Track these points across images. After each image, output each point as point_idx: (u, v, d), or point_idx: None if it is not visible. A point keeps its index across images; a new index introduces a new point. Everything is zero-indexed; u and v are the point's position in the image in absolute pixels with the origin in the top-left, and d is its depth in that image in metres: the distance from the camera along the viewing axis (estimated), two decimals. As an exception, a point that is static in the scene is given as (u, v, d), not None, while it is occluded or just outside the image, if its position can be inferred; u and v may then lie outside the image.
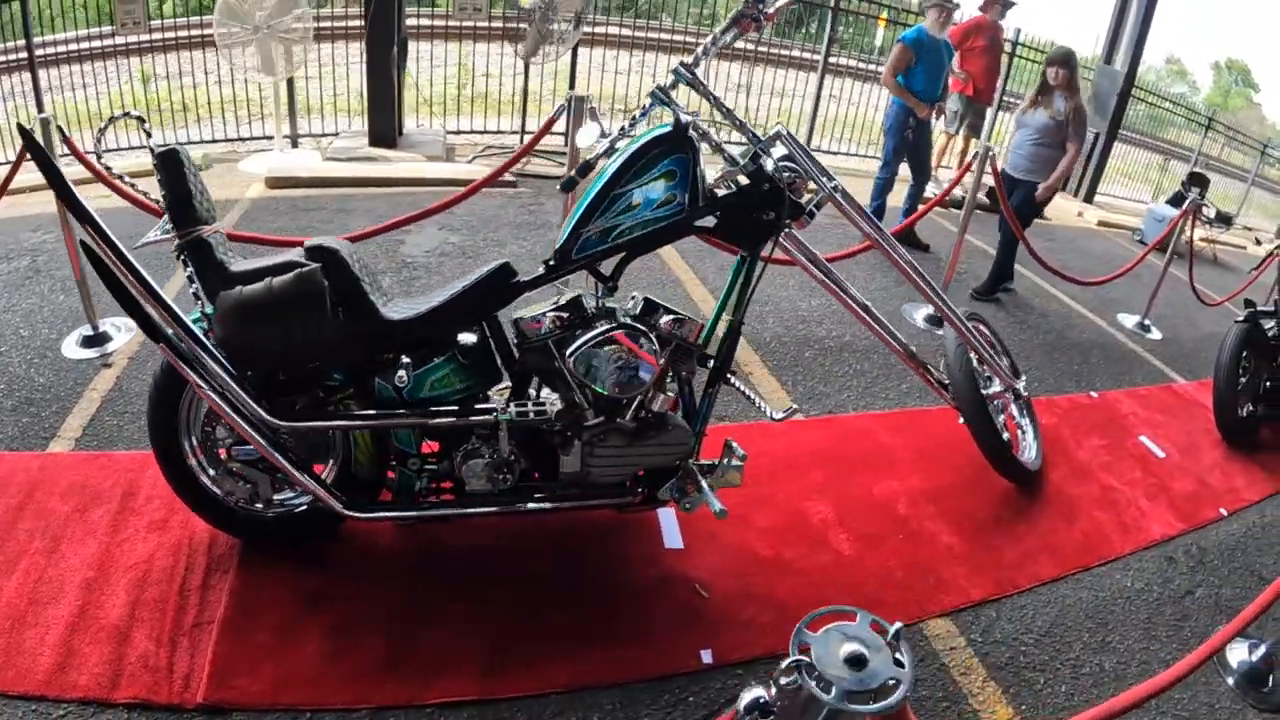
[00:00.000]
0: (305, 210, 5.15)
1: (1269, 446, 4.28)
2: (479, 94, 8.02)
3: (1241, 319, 4.15)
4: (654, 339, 1.91)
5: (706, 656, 1.99)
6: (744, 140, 2.09)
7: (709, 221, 2.02)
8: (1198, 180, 9.08)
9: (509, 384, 2.10)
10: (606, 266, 2.02)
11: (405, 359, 1.90)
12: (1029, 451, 3.42)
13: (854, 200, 2.46)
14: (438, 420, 1.96)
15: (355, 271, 1.92)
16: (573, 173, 2.05)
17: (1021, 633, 2.56)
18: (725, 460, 2.21)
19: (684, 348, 2.01)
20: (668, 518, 2.54)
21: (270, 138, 6.15)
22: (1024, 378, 3.53)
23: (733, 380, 2.23)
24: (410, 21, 7.43)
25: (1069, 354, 4.81)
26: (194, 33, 7.11)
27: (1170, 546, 3.28)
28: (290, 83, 6.10)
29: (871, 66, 8.98)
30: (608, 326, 1.88)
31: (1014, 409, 3.55)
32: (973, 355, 3.07)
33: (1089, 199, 8.68)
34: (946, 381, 3.07)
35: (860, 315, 2.59)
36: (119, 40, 6.63)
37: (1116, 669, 2.59)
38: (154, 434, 2.02)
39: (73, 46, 6.94)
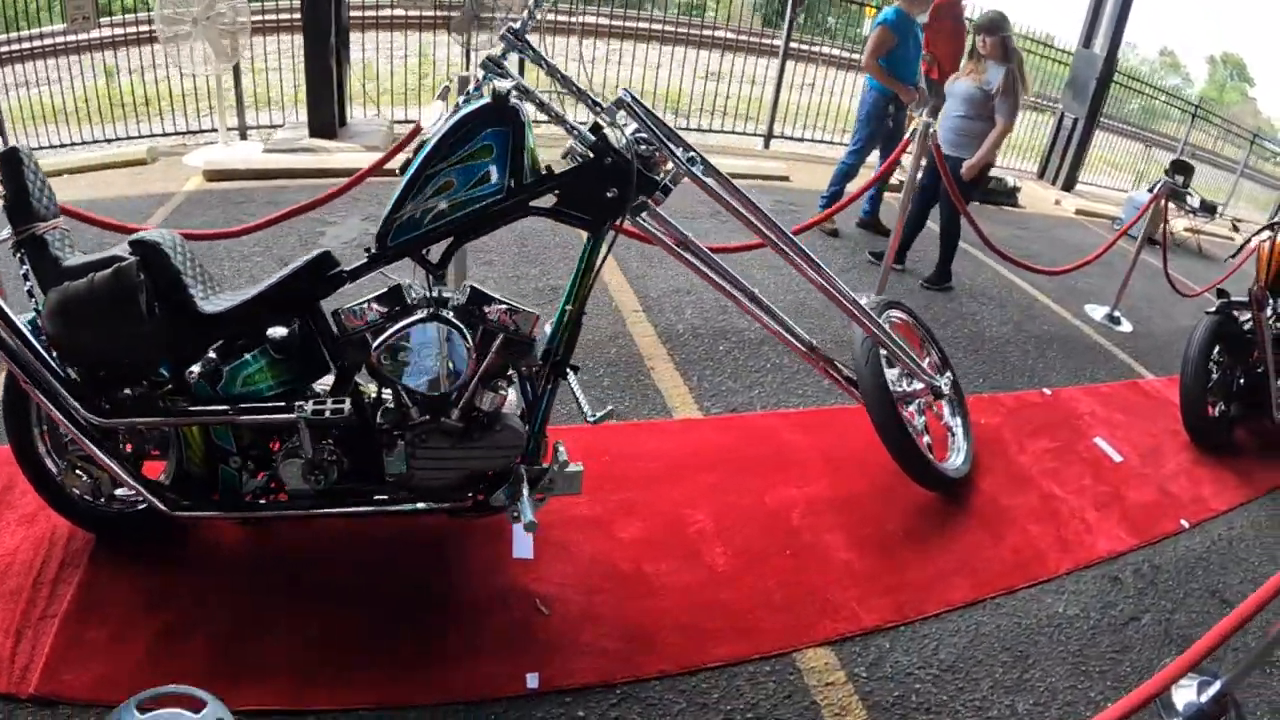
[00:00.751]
0: (236, 203, 4.92)
1: (1243, 450, 3.90)
2: (439, 82, 7.71)
3: (1213, 310, 3.74)
4: (466, 332, 1.78)
5: (532, 681, 1.82)
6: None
7: (550, 201, 1.89)
8: (1181, 168, 8.71)
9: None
10: (437, 254, 1.90)
11: (211, 354, 1.82)
12: (957, 455, 3.03)
13: (722, 174, 2.21)
14: (243, 418, 1.87)
15: (176, 264, 1.85)
16: (409, 155, 1.90)
17: (919, 666, 2.21)
18: (553, 466, 2.06)
19: (517, 341, 1.87)
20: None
21: (216, 130, 6.07)
22: (949, 374, 3.14)
23: (568, 377, 2.06)
24: (368, 12, 7.21)
25: (1024, 348, 4.41)
26: (143, 29, 6.95)
27: (1117, 564, 2.90)
28: (237, 75, 6.06)
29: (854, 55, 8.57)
30: (415, 319, 1.77)
31: (945, 408, 3.15)
32: (882, 350, 2.71)
33: (1068, 187, 8.29)
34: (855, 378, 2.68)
35: (745, 305, 2.37)
36: (71, 38, 6.64)
37: (1032, 712, 2.21)
38: (7, 427, 2.01)
39: (48, 42, 6.92)
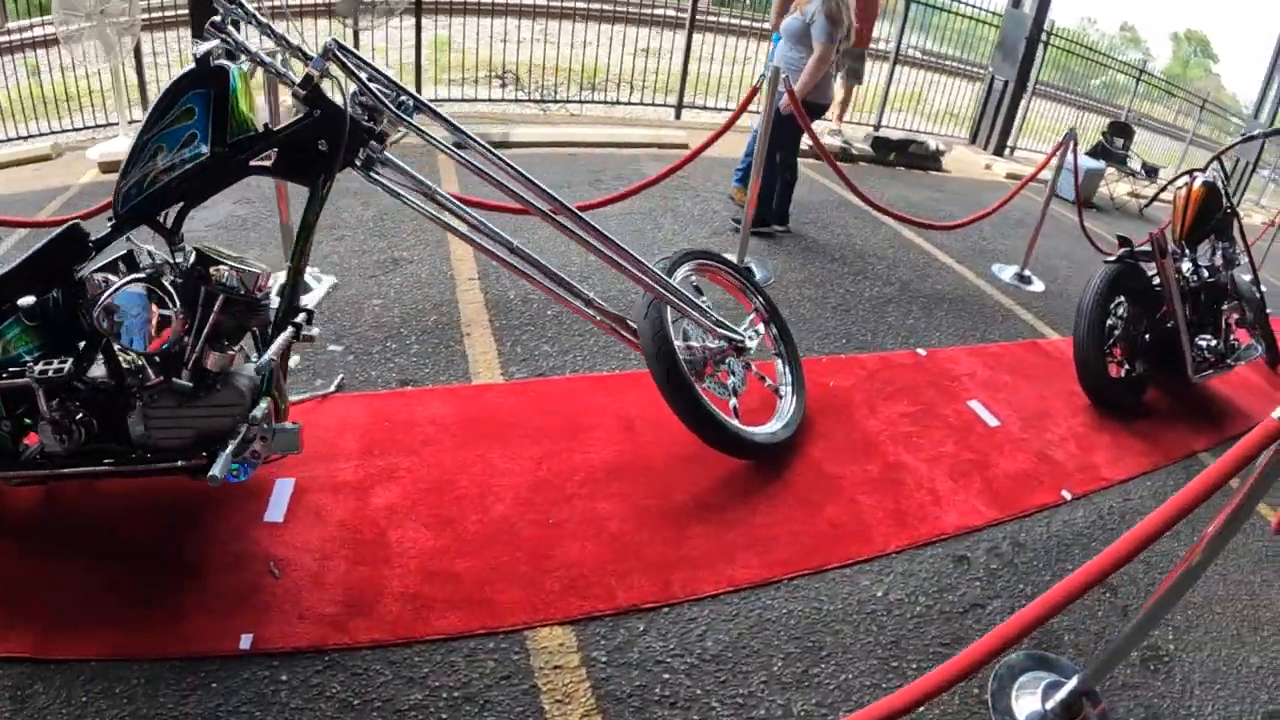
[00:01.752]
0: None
1: (1156, 413, 3.55)
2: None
3: (1113, 259, 3.33)
4: (173, 294, 1.77)
5: (245, 642, 1.76)
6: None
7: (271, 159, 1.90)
8: (1120, 130, 8.41)
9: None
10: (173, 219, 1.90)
11: None
12: (778, 420, 2.59)
13: (461, 129, 2.16)
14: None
15: None
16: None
17: (674, 654, 1.89)
18: (263, 424, 1.96)
19: (240, 301, 1.87)
20: (284, 487, 2.20)
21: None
22: (774, 327, 2.86)
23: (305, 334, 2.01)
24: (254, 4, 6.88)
25: (907, 308, 4.02)
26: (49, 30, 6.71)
27: (968, 542, 2.51)
28: (140, 69, 6.12)
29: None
30: (122, 282, 1.78)
31: (777, 366, 2.76)
32: (669, 308, 2.40)
33: (999, 151, 7.96)
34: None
35: (507, 261, 2.22)
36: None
37: (811, 713, 1.83)
38: None
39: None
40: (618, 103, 7.45)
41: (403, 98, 1.99)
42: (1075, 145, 4.61)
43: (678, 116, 7.41)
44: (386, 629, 1.80)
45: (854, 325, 3.72)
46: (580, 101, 7.77)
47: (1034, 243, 4.72)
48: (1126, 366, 3.44)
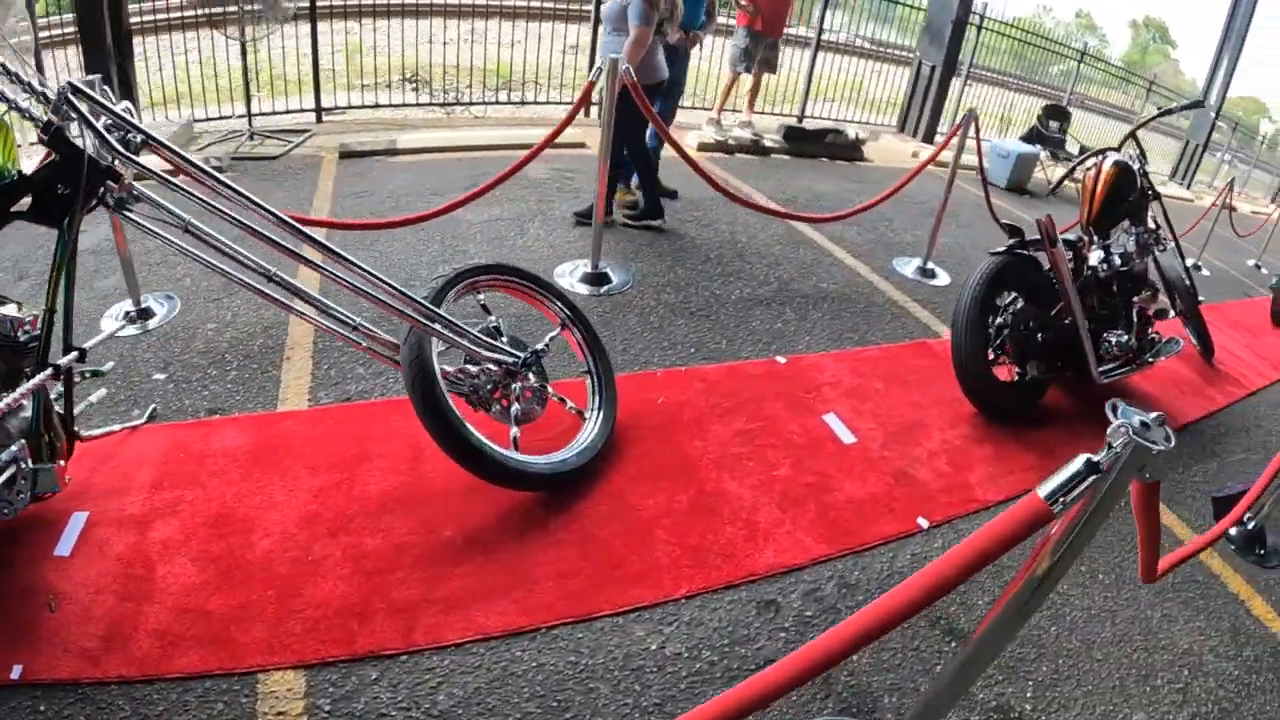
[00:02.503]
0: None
1: (1057, 419, 3.22)
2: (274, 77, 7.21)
3: (998, 250, 2.98)
4: None
5: (15, 672, 1.69)
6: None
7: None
8: (1056, 113, 8.10)
9: None
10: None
11: None
12: (576, 445, 2.31)
13: (198, 165, 1.95)
14: None
15: None
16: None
17: (401, 707, 1.69)
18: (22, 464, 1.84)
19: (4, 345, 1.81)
20: (77, 521, 2.08)
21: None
22: (579, 334, 2.56)
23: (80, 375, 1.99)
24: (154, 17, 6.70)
25: (778, 310, 3.65)
26: None
27: (784, 583, 2.17)
28: None
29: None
30: None
31: (588, 386, 2.49)
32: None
33: (929, 139, 7.65)
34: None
35: (267, 294, 2.06)
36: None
37: None
38: None
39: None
40: (524, 103, 7.09)
41: (129, 135, 1.90)
42: (976, 126, 4.25)
43: (586, 114, 7.02)
44: (135, 665, 1.73)
45: (710, 332, 3.34)
46: (487, 103, 7.46)
47: (936, 233, 4.37)
48: (1018, 369, 3.06)
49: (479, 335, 2.19)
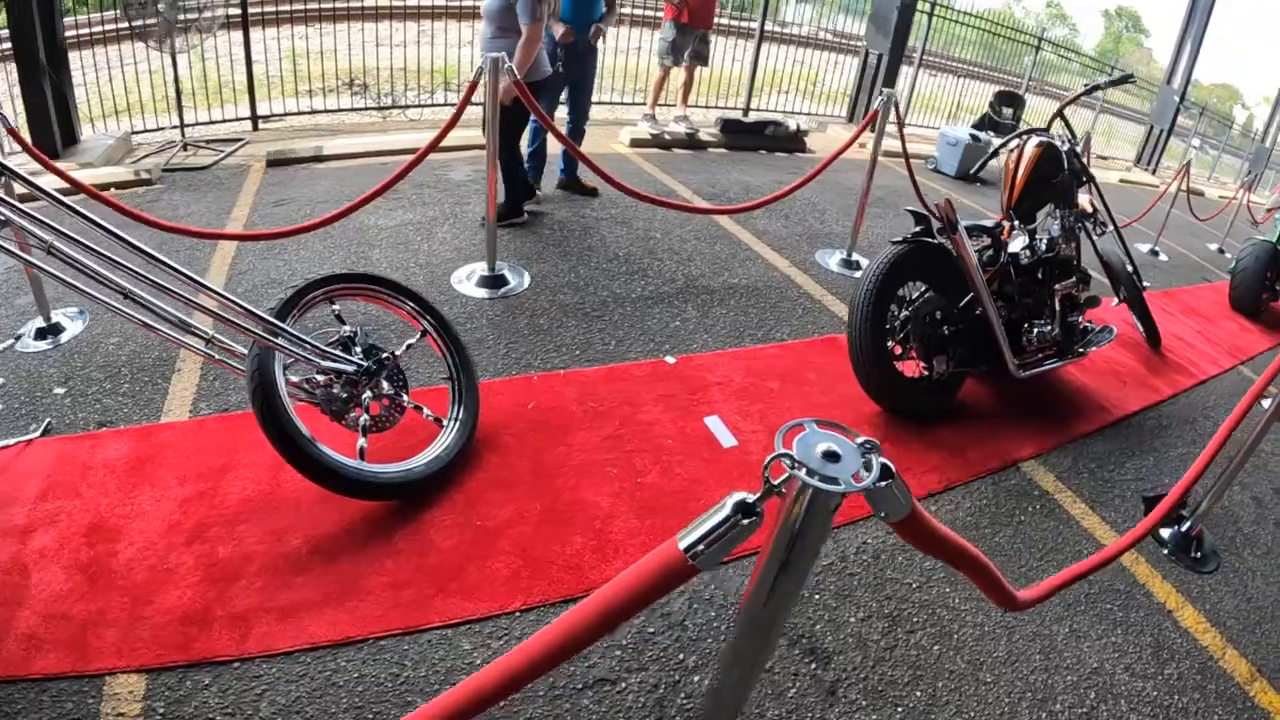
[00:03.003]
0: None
1: (978, 415, 2.99)
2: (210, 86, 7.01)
3: (902, 239, 2.74)
4: None
5: None
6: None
7: None
8: (1009, 99, 7.87)
9: None
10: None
11: None
12: (429, 454, 2.19)
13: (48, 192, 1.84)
14: None
15: None
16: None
17: (227, 713, 1.64)
18: None
19: None
20: None
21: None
22: (438, 334, 2.41)
23: None
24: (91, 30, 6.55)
25: (678, 307, 3.42)
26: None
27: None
28: None
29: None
30: None
31: (449, 394, 2.35)
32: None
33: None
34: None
35: (118, 309, 1.94)
36: None
37: None
38: None
39: None
40: (433, 105, 6.96)
41: None
42: (897, 110, 4.02)
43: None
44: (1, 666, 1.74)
45: (601, 333, 3.11)
46: (424, 105, 7.31)
47: (860, 223, 4.14)
48: (924, 365, 2.80)
49: (319, 346, 2.06)
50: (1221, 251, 7.03)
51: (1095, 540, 2.45)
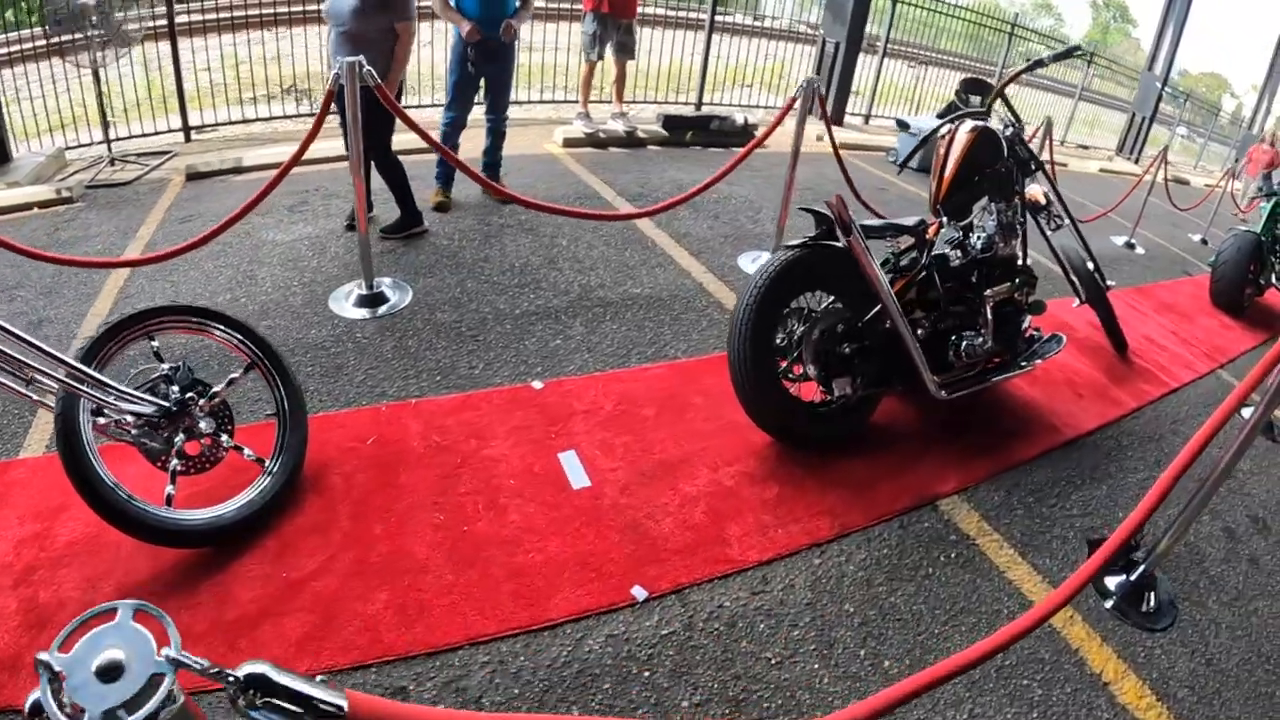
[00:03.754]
0: None
1: (898, 439, 2.62)
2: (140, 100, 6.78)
3: (797, 244, 2.34)
4: None
5: None
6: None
7: None
8: (976, 86, 7.49)
9: None
10: None
11: None
12: (242, 498, 1.98)
13: None
14: None
15: None
16: None
17: None
18: None
19: None
20: None
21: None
22: (261, 368, 2.15)
23: None
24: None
25: (564, 323, 3.10)
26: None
27: (424, 666, 1.66)
28: None
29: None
30: None
31: (276, 430, 1.98)
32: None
33: (838, 120, 7.02)
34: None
35: None
36: None
37: None
38: None
39: None
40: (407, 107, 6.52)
41: None
42: (821, 100, 3.66)
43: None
44: None
45: (470, 355, 2.78)
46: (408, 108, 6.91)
47: (783, 221, 3.75)
48: (824, 387, 2.40)
49: (120, 388, 1.90)
50: (1204, 242, 6.63)
51: (1021, 596, 2.05)
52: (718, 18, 6.82)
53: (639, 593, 1.82)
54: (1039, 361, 2.86)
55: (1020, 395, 3.05)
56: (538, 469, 2.17)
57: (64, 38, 5.23)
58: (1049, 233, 3.23)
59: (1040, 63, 3.11)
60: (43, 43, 6.48)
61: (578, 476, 2.15)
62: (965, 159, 2.65)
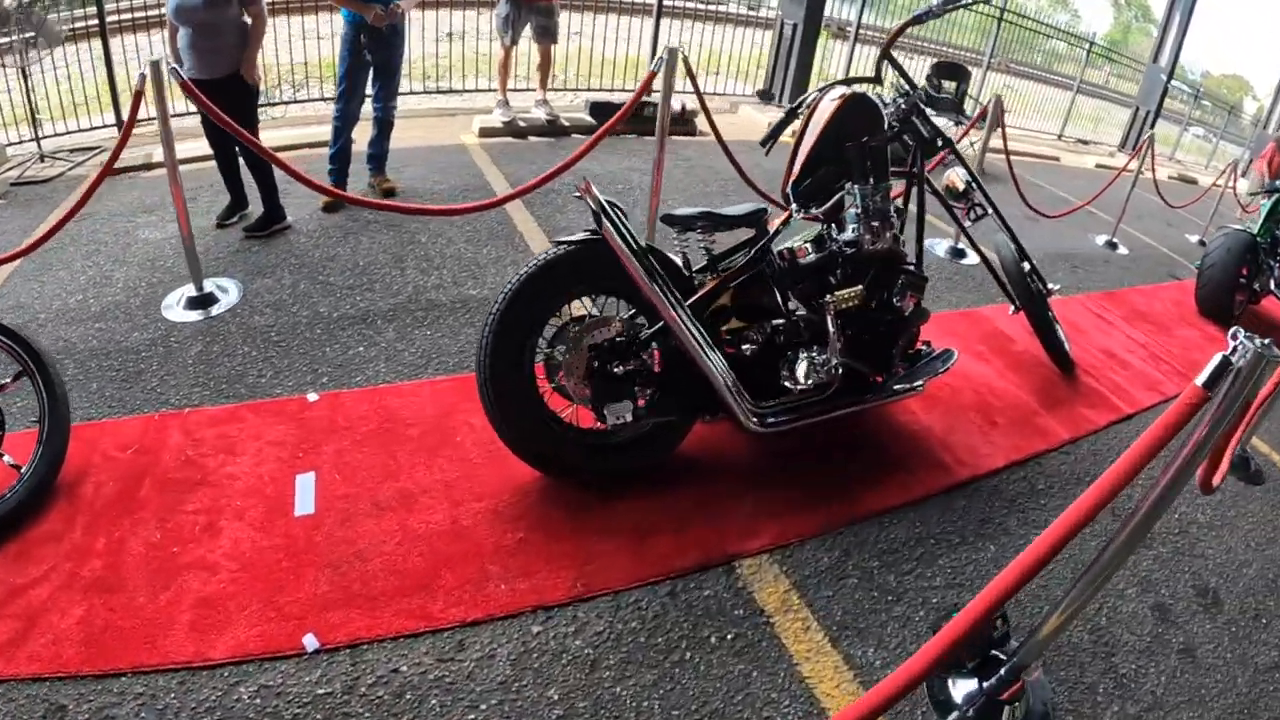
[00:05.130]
0: None
1: (695, 478, 2.13)
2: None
3: (568, 239, 1.91)
4: None
5: None
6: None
7: None
8: (950, 71, 6.85)
9: None
10: None
11: None
12: None
13: None
14: None
15: None
16: None
17: None
18: None
19: None
20: None
21: None
22: None
23: None
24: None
25: (381, 329, 2.81)
26: None
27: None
28: None
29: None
30: None
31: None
32: None
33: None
34: None
35: None
36: None
37: None
38: None
39: None
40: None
41: None
42: (690, 70, 3.22)
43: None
44: None
45: (267, 362, 2.52)
46: (287, 103, 6.67)
47: (654, 212, 3.27)
48: (597, 414, 1.92)
49: None
50: (1203, 244, 5.94)
51: (811, 701, 1.51)
52: (669, 2, 6.30)
53: (310, 642, 1.54)
54: (920, 384, 2.29)
55: (910, 423, 2.50)
56: (269, 491, 1.94)
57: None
58: (967, 225, 2.71)
59: (929, 13, 2.47)
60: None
61: (305, 502, 1.88)
62: (826, 132, 2.12)
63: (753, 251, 2.06)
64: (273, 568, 1.69)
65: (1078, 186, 6.63)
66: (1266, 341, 1.12)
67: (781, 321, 2.08)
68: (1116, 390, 3.08)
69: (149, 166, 4.81)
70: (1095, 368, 3.24)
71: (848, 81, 2.37)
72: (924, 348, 2.41)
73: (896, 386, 2.25)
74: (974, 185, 2.76)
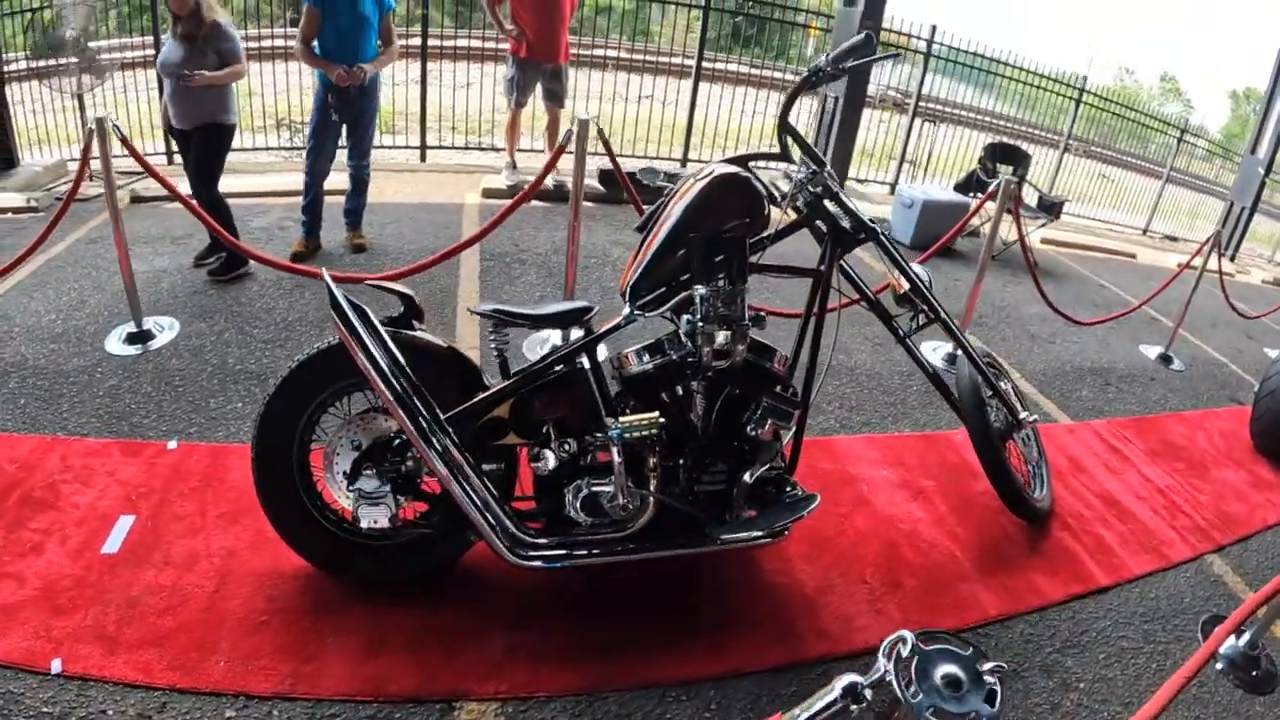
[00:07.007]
0: None
1: (467, 600, 2.00)
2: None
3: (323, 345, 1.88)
4: None
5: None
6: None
7: None
8: (1006, 155, 6.25)
9: None
10: None
11: None
12: None
13: None
14: None
15: None
16: None
17: None
18: None
19: None
20: None
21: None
22: None
23: None
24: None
25: (265, 387, 2.50)
26: None
27: None
28: None
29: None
30: None
31: None
32: None
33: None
34: None
35: None
36: None
37: None
38: None
39: None
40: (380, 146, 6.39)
41: None
42: (604, 142, 3.33)
43: (422, 158, 6.29)
44: None
45: (151, 405, 2.66)
46: (301, 149, 7.06)
47: (571, 280, 3.00)
48: (352, 514, 1.82)
49: None
50: (1285, 363, 5.05)
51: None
52: (708, 65, 6.11)
53: (56, 666, 1.63)
54: (760, 535, 1.86)
55: (777, 573, 2.12)
56: (94, 525, 2.07)
57: (43, 62, 5.51)
58: (909, 338, 2.25)
59: (820, 73, 2.01)
60: (22, 68, 7.02)
61: (114, 541, 2.01)
62: (682, 221, 1.78)
63: (552, 357, 1.75)
64: (62, 593, 1.85)
65: (1148, 289, 5.86)
66: None
67: (573, 441, 1.74)
68: (1098, 551, 2.50)
69: (169, 199, 5.04)
70: (1080, 519, 2.65)
71: (747, 159, 2.01)
72: (792, 488, 1.97)
73: (726, 535, 1.82)
74: (922, 287, 2.30)
